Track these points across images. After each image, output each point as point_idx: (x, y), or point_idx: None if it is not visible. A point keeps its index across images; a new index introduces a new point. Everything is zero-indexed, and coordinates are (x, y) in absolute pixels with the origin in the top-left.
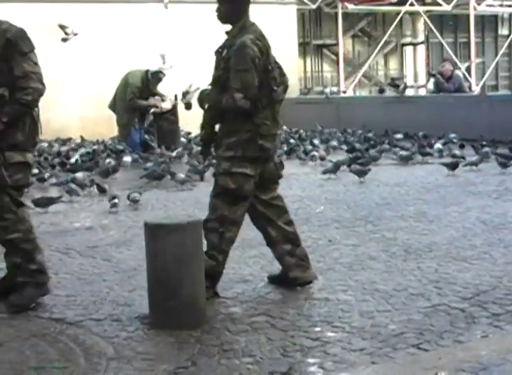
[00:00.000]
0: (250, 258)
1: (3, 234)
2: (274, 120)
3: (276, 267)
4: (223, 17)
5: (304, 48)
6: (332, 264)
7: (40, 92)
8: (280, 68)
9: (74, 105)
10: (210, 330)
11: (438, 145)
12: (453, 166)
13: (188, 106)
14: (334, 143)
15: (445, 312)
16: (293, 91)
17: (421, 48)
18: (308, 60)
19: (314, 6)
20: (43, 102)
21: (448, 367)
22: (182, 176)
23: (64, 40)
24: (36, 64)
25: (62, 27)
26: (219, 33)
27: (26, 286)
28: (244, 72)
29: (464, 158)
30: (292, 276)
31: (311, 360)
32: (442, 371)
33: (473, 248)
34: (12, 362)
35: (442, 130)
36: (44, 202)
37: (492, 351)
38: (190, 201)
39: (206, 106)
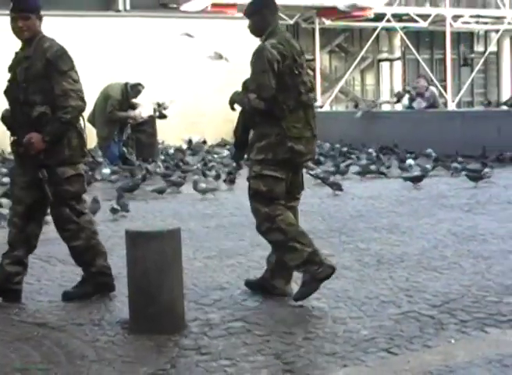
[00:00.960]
0: (227, 267)
1: (67, 242)
2: (306, 124)
3: (252, 275)
4: (255, 30)
5: None
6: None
7: (79, 109)
8: (308, 74)
9: None
10: (188, 335)
11: (410, 160)
12: (417, 179)
13: (162, 116)
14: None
15: (415, 319)
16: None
17: (398, 64)
18: None
19: (291, 22)
20: None
21: (416, 370)
22: (203, 185)
23: None
24: (76, 82)
25: None
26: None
27: (86, 284)
28: (260, 73)
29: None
30: (272, 284)
31: (285, 363)
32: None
33: (443, 259)
34: None
35: (417, 145)
36: None
37: (458, 355)
38: (168, 212)
39: (235, 106)
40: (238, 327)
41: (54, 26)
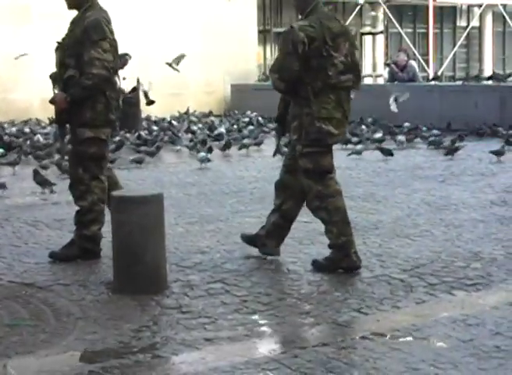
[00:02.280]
0: (207, 233)
1: (74, 200)
2: (337, 105)
3: (232, 240)
4: (297, 9)
5: (264, 36)
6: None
7: (102, 78)
8: (352, 55)
9: (36, 86)
10: (170, 295)
11: (401, 137)
12: (388, 152)
13: (150, 103)
14: None
15: (386, 282)
16: (251, 77)
17: (380, 38)
18: (268, 48)
19: None
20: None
21: (384, 328)
22: (203, 154)
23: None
24: (105, 51)
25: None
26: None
27: (73, 246)
28: (284, 55)
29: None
30: (264, 242)
31: (261, 321)
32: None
33: (416, 227)
34: None
35: (395, 118)
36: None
37: (426, 315)
38: (150, 180)
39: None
40: (217, 288)
41: None
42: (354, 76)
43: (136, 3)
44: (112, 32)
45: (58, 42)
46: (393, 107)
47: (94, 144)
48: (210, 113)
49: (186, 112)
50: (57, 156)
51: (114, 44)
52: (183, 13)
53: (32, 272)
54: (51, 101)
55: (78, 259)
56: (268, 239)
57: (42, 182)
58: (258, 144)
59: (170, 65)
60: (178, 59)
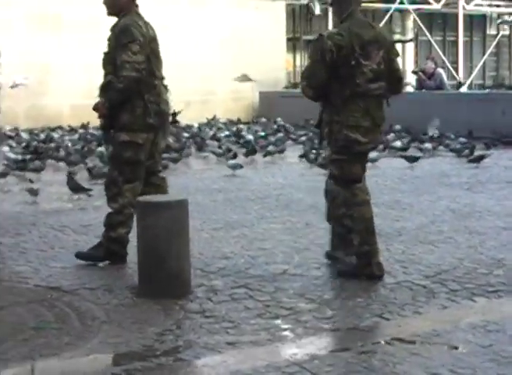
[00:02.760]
0: (232, 238)
1: (107, 201)
2: (365, 113)
3: (256, 246)
4: (334, 15)
5: (293, 44)
6: (308, 244)
7: (132, 79)
8: (391, 61)
9: (66, 93)
10: (194, 300)
11: (427, 145)
12: (412, 159)
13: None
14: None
15: (408, 288)
16: (279, 84)
17: (410, 46)
18: (298, 55)
19: (304, 1)
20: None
21: (405, 333)
22: (234, 161)
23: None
24: (135, 53)
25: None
26: None
27: (100, 248)
28: (312, 62)
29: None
30: (334, 255)
31: (284, 326)
32: None
33: (439, 233)
34: (13, 323)
35: (424, 125)
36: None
37: (446, 321)
38: (177, 186)
39: None
40: (241, 293)
41: (72, 3)
42: (389, 83)
43: (166, 14)
44: (144, 35)
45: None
46: (431, 131)
47: (130, 148)
48: (238, 121)
49: (213, 119)
50: (91, 161)
51: (146, 46)
52: (213, 21)
53: (58, 276)
54: (94, 109)
55: (103, 262)
56: (337, 251)
57: (76, 188)
58: (281, 151)
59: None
60: (241, 79)
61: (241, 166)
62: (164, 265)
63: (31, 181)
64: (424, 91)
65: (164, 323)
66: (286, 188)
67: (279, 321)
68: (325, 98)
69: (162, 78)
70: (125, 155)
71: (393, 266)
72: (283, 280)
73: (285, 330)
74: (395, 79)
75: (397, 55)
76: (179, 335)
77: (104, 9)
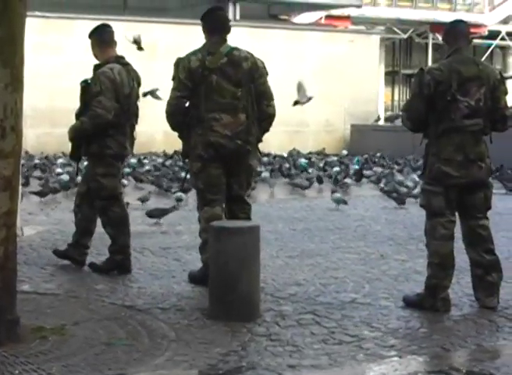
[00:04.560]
0: (306, 266)
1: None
2: (459, 148)
3: (328, 275)
4: (443, 50)
5: (392, 77)
6: (380, 275)
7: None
8: (495, 99)
9: (160, 120)
10: (261, 323)
11: None
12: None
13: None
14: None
15: (472, 321)
16: (371, 118)
17: (511, 82)
18: (396, 89)
19: (405, 36)
20: None
21: (463, 363)
22: (338, 195)
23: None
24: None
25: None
26: None
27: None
28: (412, 95)
29: None
30: (476, 297)
31: (346, 352)
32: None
33: None
34: (86, 338)
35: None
36: (157, 213)
37: (507, 354)
38: (259, 214)
39: None
40: (308, 319)
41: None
42: (493, 120)
43: (263, 48)
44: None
45: None
46: None
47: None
48: (323, 151)
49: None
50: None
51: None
52: (307, 53)
53: (133, 295)
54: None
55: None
56: (477, 292)
57: (153, 214)
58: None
59: (297, 102)
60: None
61: (345, 202)
62: (234, 288)
63: None
64: None
65: (230, 344)
66: (365, 220)
67: (341, 347)
68: (424, 130)
69: None
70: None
71: (462, 299)
72: (351, 308)
73: (346, 356)
74: (499, 116)
75: (506, 92)
76: (243, 356)
77: (191, 39)
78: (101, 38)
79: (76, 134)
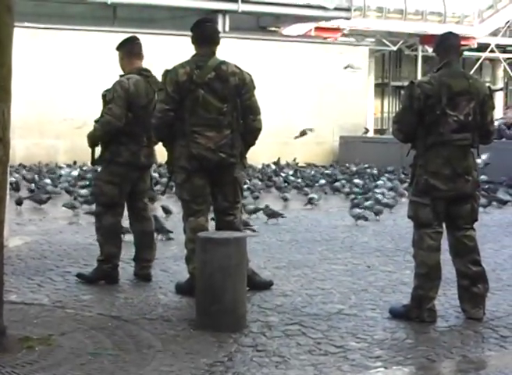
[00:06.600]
0: (293, 277)
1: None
2: (446, 161)
3: (315, 286)
4: (434, 63)
5: (382, 89)
6: (367, 286)
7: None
8: (483, 114)
9: None
10: (248, 334)
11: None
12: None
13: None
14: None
15: (458, 332)
16: (360, 130)
17: (500, 95)
18: (386, 101)
19: (394, 48)
20: None
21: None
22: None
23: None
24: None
25: None
26: None
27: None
28: (402, 108)
29: None
30: (462, 308)
31: (332, 363)
32: None
33: (498, 281)
34: (72, 348)
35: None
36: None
37: (492, 365)
38: None
39: None
40: (294, 330)
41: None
42: (480, 134)
43: (251, 57)
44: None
45: None
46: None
47: None
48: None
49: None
50: None
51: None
52: (296, 64)
53: (120, 306)
54: None
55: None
56: (463, 304)
57: (159, 229)
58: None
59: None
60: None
61: (366, 219)
62: (220, 299)
63: None
64: (504, 140)
65: (216, 355)
66: (352, 231)
67: (327, 357)
68: (413, 142)
69: None
70: None
71: (448, 311)
72: (337, 319)
73: (332, 366)
74: (484, 131)
75: (493, 108)
76: (229, 367)
77: (180, 50)
78: (131, 50)
79: (91, 141)
